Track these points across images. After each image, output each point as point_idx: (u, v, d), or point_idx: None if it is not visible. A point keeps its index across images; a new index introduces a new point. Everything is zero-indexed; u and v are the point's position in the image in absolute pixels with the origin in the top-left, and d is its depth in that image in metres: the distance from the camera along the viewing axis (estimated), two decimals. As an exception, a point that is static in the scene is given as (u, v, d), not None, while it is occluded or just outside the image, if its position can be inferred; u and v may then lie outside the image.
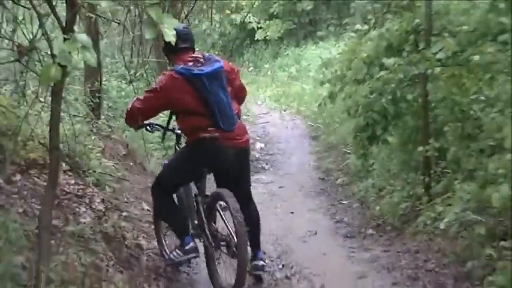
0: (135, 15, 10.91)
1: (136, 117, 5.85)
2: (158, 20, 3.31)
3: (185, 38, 5.79)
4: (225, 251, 5.76)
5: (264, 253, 6.95)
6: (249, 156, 6.22)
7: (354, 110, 8.45)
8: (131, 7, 9.25)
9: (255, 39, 24.69)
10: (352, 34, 10.79)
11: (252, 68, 24.86)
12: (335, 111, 12.69)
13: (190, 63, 5.72)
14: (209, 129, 5.67)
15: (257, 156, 12.32)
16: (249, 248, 5.88)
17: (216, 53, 25.81)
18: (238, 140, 5.86)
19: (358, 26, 10.11)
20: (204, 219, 5.92)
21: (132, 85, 10.80)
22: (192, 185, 6.14)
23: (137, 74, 11.67)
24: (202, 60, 5.79)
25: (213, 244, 5.87)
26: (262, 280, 6.36)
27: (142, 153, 9.25)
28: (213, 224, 5.92)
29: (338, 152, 11.46)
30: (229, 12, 19.10)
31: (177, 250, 6.00)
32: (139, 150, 9.20)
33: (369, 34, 9.19)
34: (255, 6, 22.37)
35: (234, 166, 5.92)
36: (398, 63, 7.39)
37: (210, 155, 5.77)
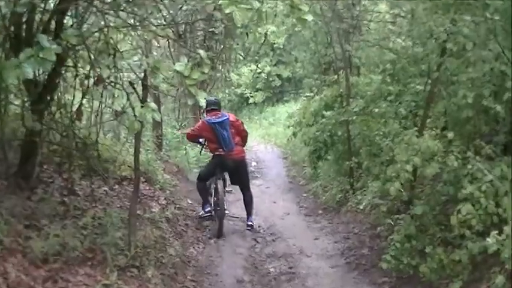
0: (180, 90, 10.90)
1: (190, 137, 6.90)
2: (195, 93, 3.34)
3: (213, 103, 6.65)
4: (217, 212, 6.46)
5: (259, 226, 6.91)
6: (244, 165, 6.80)
7: (308, 142, 8.45)
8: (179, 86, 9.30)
9: (249, 102, 24.70)
10: (304, 98, 10.79)
11: (247, 119, 24.77)
12: (296, 142, 12.66)
13: (213, 117, 6.52)
14: (219, 150, 6.49)
15: (253, 170, 12.18)
16: (245, 214, 6.83)
17: (227, 111, 25.84)
18: (235, 155, 6.53)
19: (307, 93, 10.12)
20: (213, 196, 6.63)
21: (179, 131, 10.80)
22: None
23: (182, 125, 11.64)
24: (219, 115, 6.56)
25: (214, 208, 6.57)
26: (257, 240, 6.35)
27: (186, 169, 9.21)
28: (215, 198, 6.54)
29: (299, 166, 11.40)
30: (233, 87, 19.14)
31: (202, 211, 6.73)
32: (184, 168, 9.16)
33: (314, 98, 9.22)
34: (248, 83, 22.40)
35: (234, 170, 6.66)
36: (332, 114, 7.40)
37: (219, 163, 6.56)
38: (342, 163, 7.94)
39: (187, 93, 4.82)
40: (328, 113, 7.96)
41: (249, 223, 6.72)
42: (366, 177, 6.95)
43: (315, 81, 12.37)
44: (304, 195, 9.03)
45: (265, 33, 9.90)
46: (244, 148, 6.88)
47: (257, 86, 24.57)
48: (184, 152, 9.63)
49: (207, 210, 6.62)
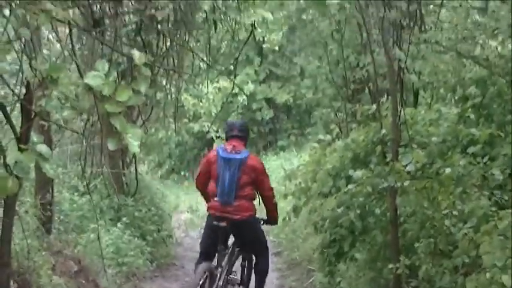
0: (91, 124, 10.91)
1: (199, 184, 8.48)
2: (122, 130, 3.32)
3: (236, 127, 8.28)
4: None
5: None
6: (250, 227, 8.17)
7: (320, 225, 8.41)
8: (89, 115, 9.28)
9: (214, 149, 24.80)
10: (315, 144, 10.89)
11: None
12: (298, 225, 12.65)
13: (228, 147, 8.02)
14: (214, 198, 7.98)
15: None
16: None
17: (173, 162, 25.88)
18: (233, 213, 7.87)
19: (320, 136, 10.23)
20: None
21: (85, 197, 10.72)
22: None
23: (91, 185, 11.58)
24: (237, 149, 8.00)
25: None
26: None
27: (95, 269, 9.09)
28: None
29: (302, 269, 11.34)
30: (186, 120, 19.24)
31: None
32: (92, 266, 9.05)
33: (333, 145, 9.25)
34: (213, 114, 22.55)
35: (236, 235, 8.25)
36: (367, 176, 7.41)
37: (211, 228, 8.08)
38: (380, 267, 7.88)
39: (104, 128, 4.78)
40: (359, 174, 7.96)
41: None
42: (426, 294, 6.88)
43: (336, 114, 12.51)
44: (311, 325, 8.92)
45: (252, 25, 9.99)
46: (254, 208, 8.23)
47: (230, 119, 24.75)
48: (93, 234, 9.51)
49: None
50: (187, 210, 19.22)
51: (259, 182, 8.07)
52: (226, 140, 8.27)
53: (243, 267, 8.84)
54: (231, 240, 8.46)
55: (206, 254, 8.13)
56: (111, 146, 3.55)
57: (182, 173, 26.51)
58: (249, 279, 8.81)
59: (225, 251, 8.13)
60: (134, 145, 3.40)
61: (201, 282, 7.56)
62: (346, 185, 7.86)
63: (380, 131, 8.02)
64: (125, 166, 12.74)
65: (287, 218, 9.52)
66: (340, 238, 8.04)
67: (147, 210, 12.52)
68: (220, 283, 7.93)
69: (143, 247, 11.27)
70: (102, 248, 9.29)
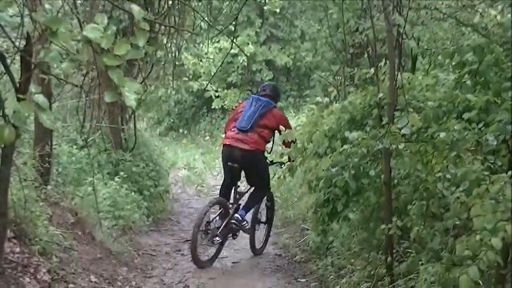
0: (91, 78, 10.88)
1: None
2: (120, 83, 3.30)
3: (268, 88, 10.18)
4: None
5: None
6: (258, 162, 9.63)
7: (315, 185, 8.41)
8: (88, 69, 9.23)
9: (212, 107, 24.79)
10: (312, 106, 10.85)
11: (208, 137, 24.88)
12: (293, 185, 12.66)
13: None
14: (230, 129, 9.71)
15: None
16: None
17: (172, 120, 25.84)
18: (245, 143, 9.39)
19: (318, 99, 10.19)
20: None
21: (84, 150, 10.72)
22: None
23: (89, 139, 11.58)
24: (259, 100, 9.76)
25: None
26: None
27: (92, 222, 9.12)
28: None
29: (296, 227, 11.38)
30: (186, 79, 19.17)
31: None
32: (88, 219, 9.08)
33: (330, 107, 9.23)
34: (213, 72, 22.47)
35: (244, 167, 9.76)
36: (362, 138, 7.39)
37: (225, 159, 9.75)
38: (373, 227, 7.92)
39: (103, 82, 4.76)
40: (354, 135, 7.93)
41: (236, 216, 9.62)
42: (416, 255, 6.92)
43: (334, 78, 12.46)
44: (303, 280, 9.04)
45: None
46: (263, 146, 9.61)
47: (229, 80, 24.78)
48: (91, 187, 9.53)
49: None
50: (184, 167, 19.22)
51: (284, 125, 9.54)
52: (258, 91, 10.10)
53: (267, 206, 10.58)
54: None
55: (226, 184, 9.87)
56: (108, 98, 3.54)
57: (181, 130, 26.49)
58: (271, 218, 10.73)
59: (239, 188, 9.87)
60: (131, 99, 3.38)
61: (206, 211, 9.32)
62: (342, 146, 7.86)
63: (377, 94, 8.00)
64: (124, 122, 12.71)
65: (283, 177, 9.56)
66: (334, 198, 8.02)
67: (145, 165, 12.53)
68: (230, 221, 9.63)
69: (140, 202, 11.32)
70: (98, 201, 9.34)
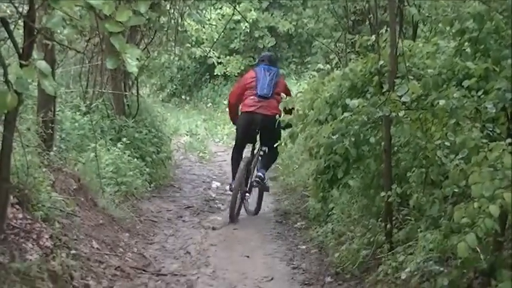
0: (94, 44, 10.85)
1: (233, 102, 11.08)
2: (121, 49, 3.32)
3: (266, 58, 10.92)
4: None
5: None
6: (273, 126, 9.80)
7: (316, 151, 8.41)
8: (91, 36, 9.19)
9: (215, 74, 24.74)
10: (313, 73, 10.83)
11: (210, 104, 24.86)
12: (294, 151, 12.68)
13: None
14: (250, 97, 10.47)
15: (213, 195, 12.27)
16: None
17: (175, 86, 25.77)
18: (266, 109, 10.29)
19: (320, 65, 10.18)
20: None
21: (87, 117, 10.72)
22: None
23: (92, 106, 11.58)
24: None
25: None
26: None
27: (94, 188, 9.15)
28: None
29: (297, 194, 11.42)
30: (189, 45, 19.12)
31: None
32: (91, 185, 9.10)
33: (331, 74, 9.21)
34: (215, 39, 22.38)
35: (262, 130, 10.61)
36: (362, 105, 7.40)
37: (245, 124, 10.72)
38: (373, 194, 7.95)
39: (105, 49, 4.76)
40: (356, 103, 7.92)
41: (259, 174, 10.53)
42: (415, 222, 6.95)
43: (336, 45, 12.42)
44: (303, 247, 9.08)
45: None
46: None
47: (231, 46, 24.69)
48: (93, 153, 9.56)
49: (229, 187, 10.90)
50: (186, 134, 19.21)
51: (286, 93, 9.87)
52: (257, 64, 10.98)
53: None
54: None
55: (241, 147, 10.91)
56: (109, 65, 3.56)
57: (183, 97, 26.43)
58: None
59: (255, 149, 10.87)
60: (132, 65, 3.40)
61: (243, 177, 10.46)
62: (342, 113, 7.86)
63: (378, 62, 7.98)
64: (126, 88, 12.69)
65: (284, 144, 9.58)
66: (334, 165, 8.02)
67: (147, 132, 12.50)
68: (253, 178, 10.67)
69: (142, 168, 11.32)
70: (100, 167, 9.35)
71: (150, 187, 11.51)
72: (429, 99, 6.75)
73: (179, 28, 13.21)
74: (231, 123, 11.71)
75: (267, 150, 10.65)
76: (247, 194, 10.75)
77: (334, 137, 7.80)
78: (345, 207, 8.81)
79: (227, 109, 11.70)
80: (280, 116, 9.22)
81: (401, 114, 7.04)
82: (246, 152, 11.05)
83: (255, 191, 10.98)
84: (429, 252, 5.96)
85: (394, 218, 7.49)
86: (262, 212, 11.06)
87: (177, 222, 10.29)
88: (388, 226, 7.41)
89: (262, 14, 23.84)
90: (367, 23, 10.15)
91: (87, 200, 8.76)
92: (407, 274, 6.22)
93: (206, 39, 23.72)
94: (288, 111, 9.26)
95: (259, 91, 10.32)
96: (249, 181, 10.74)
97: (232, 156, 10.97)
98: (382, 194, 7.34)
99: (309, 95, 9.13)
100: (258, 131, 10.56)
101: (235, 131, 11.32)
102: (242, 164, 10.49)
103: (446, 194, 5.91)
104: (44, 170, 7.65)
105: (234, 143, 11.30)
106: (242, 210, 10.70)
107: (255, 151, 10.95)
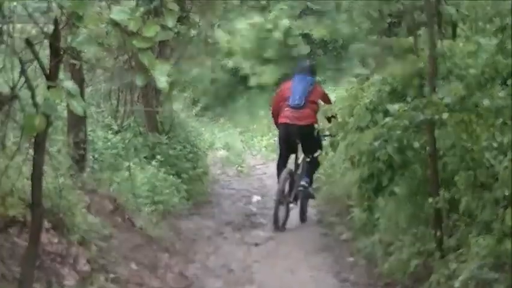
0: (123, 62, 10.93)
1: (274, 111, 11.36)
2: (150, 66, 3.32)
3: (303, 68, 11.32)
4: None
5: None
6: (311, 135, 9.69)
7: (358, 159, 8.38)
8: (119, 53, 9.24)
9: (248, 85, 24.77)
10: (352, 79, 10.83)
11: (245, 116, 24.87)
12: (336, 160, 12.64)
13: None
14: (285, 108, 10.72)
15: (254, 210, 12.25)
16: None
17: (208, 100, 25.89)
18: (301, 119, 10.48)
19: (357, 71, 10.18)
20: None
21: (119, 135, 10.77)
22: None
23: (124, 124, 11.64)
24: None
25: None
26: None
27: (131, 208, 9.18)
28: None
29: (341, 204, 11.36)
30: (221, 57, 19.23)
31: None
32: (127, 205, 9.13)
33: (370, 79, 9.19)
34: (248, 49, 22.43)
35: (302, 140, 10.86)
36: (403, 109, 7.36)
37: (283, 136, 11.13)
38: (420, 201, 7.88)
39: (135, 65, 4.76)
40: (396, 107, 7.89)
41: (303, 183, 10.91)
42: (466, 227, 6.88)
43: (373, 48, 12.37)
44: (350, 259, 9.05)
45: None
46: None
47: (265, 55, 24.69)
48: (127, 172, 9.59)
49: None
50: (223, 147, 19.23)
51: (324, 100, 10.71)
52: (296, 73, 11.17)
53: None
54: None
55: (284, 157, 11.20)
56: (139, 82, 3.57)
57: (217, 110, 26.48)
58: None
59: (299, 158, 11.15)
60: (162, 81, 3.40)
61: (284, 187, 10.71)
62: (384, 119, 7.83)
63: (417, 64, 7.94)
64: (158, 104, 12.75)
65: (325, 153, 9.62)
66: (378, 172, 7.98)
67: (182, 147, 12.52)
68: (298, 188, 10.92)
69: (179, 185, 11.31)
70: (136, 187, 9.37)
71: (188, 204, 11.50)
72: (473, 99, 6.70)
73: (209, 40, 13.28)
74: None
75: (309, 159, 10.99)
76: (291, 205, 10.93)
77: (376, 144, 7.77)
78: (392, 215, 8.73)
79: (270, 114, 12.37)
80: (316, 124, 9.34)
81: (444, 116, 6.98)
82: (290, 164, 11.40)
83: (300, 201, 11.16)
84: (483, 259, 5.89)
85: (443, 224, 7.43)
86: (306, 225, 11.05)
87: (217, 239, 10.27)
88: (438, 233, 7.34)
89: (296, 21, 23.84)
90: (405, 25, 10.08)
91: (124, 220, 8.80)
92: (461, 283, 6.15)
93: (238, 50, 23.77)
94: (329, 119, 9.37)
95: (291, 102, 10.61)
96: (293, 191, 10.96)
97: (277, 167, 11.28)
98: (430, 200, 7.28)
99: (348, 102, 9.14)
100: (298, 141, 10.81)
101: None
102: (283, 175, 10.74)
103: (497, 197, 5.86)
104: (78, 192, 7.69)
105: (273, 155, 11.98)
106: (289, 220, 10.75)
107: (299, 161, 11.22)
